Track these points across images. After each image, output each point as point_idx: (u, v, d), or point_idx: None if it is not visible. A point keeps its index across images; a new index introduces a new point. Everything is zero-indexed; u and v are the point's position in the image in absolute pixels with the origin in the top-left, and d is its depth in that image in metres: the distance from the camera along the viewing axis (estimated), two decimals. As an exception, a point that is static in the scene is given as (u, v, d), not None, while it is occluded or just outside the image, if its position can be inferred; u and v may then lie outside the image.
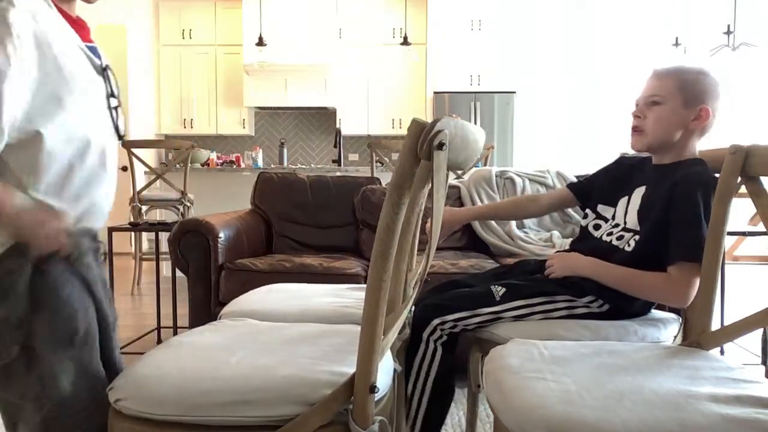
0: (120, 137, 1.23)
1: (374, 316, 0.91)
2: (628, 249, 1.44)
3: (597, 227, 1.57)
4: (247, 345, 1.15)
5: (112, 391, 1.01)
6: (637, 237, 1.44)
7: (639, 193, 1.50)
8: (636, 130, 1.49)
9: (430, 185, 0.94)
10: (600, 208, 1.60)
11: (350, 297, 1.67)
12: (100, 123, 1.16)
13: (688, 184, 1.36)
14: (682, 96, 1.43)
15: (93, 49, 1.19)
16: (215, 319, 1.58)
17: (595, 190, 1.66)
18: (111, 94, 1.21)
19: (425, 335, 1.46)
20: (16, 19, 0.97)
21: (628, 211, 1.51)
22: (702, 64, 1.54)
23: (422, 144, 0.86)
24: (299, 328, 1.30)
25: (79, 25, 1.16)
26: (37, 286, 1.05)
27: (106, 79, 1.20)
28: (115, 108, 1.21)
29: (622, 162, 1.66)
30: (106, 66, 1.20)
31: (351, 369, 1.00)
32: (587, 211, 1.63)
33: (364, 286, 1.80)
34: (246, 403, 0.95)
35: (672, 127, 1.45)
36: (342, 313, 1.52)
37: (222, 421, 0.95)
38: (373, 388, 0.94)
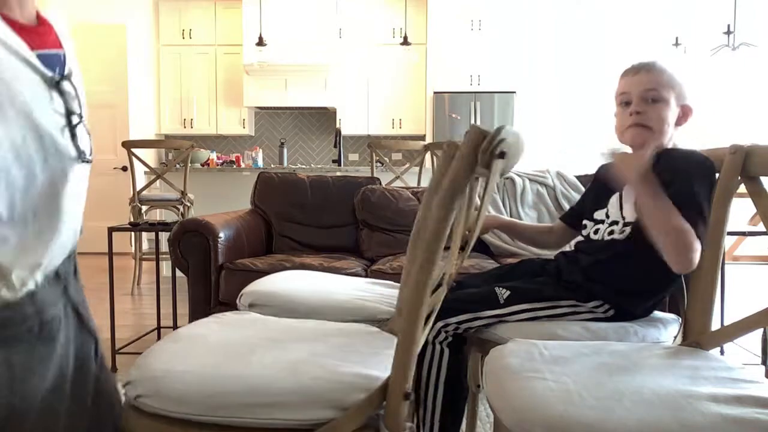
0: (85, 160, 0.99)
1: (416, 322, 0.90)
2: (621, 237, 1.46)
3: (597, 231, 1.57)
4: (262, 342, 1.14)
5: (130, 386, 0.99)
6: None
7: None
8: (640, 125, 1.45)
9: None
10: (596, 214, 1.60)
11: (372, 291, 1.68)
12: (47, 150, 0.90)
13: (682, 163, 1.38)
14: (674, 92, 1.46)
15: (52, 57, 0.96)
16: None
17: (585, 207, 1.68)
18: (69, 112, 0.96)
19: (430, 338, 1.46)
20: None
21: (623, 206, 1.51)
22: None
23: (485, 150, 0.85)
24: (306, 324, 1.31)
25: (32, 31, 0.93)
26: None
27: (62, 93, 0.95)
28: (75, 126, 0.97)
29: (600, 172, 1.69)
30: (63, 76, 0.96)
31: (377, 372, 0.99)
32: (584, 222, 1.63)
33: (387, 282, 1.81)
34: (274, 406, 0.93)
35: (671, 126, 1.47)
36: (361, 306, 1.53)
37: (248, 423, 0.93)
38: (407, 395, 0.93)
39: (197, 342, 1.13)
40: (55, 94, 0.95)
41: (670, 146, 1.49)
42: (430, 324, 1.15)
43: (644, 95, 1.45)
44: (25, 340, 0.88)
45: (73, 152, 0.96)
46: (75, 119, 0.97)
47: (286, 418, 0.93)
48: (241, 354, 1.06)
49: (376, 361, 1.05)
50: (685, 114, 1.48)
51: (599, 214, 1.58)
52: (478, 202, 0.98)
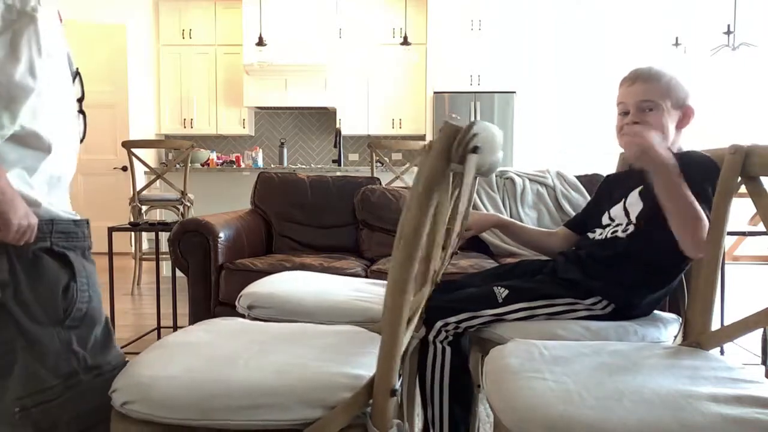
0: (81, 141, 1.25)
1: (398, 320, 0.90)
2: (624, 235, 1.47)
3: (601, 234, 1.58)
4: (249, 346, 1.14)
5: (116, 393, 0.99)
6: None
7: (637, 191, 1.51)
8: None
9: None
10: (603, 219, 1.61)
11: (370, 292, 1.68)
12: (73, 128, 1.19)
13: (687, 165, 1.38)
14: (671, 99, 1.47)
15: (67, 54, 1.21)
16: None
17: (591, 215, 1.69)
18: (80, 98, 1.22)
19: (431, 338, 1.47)
20: (43, 25, 1.01)
21: (627, 209, 1.51)
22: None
23: (458, 146, 0.85)
24: (294, 327, 1.30)
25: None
26: None
27: (81, 83, 1.23)
28: (80, 112, 1.23)
29: (608, 180, 1.72)
30: (78, 71, 1.23)
31: (363, 371, 1.00)
32: (595, 230, 1.63)
33: (386, 282, 1.81)
34: (262, 407, 0.94)
35: (670, 129, 1.48)
36: (360, 307, 1.53)
37: (237, 425, 0.94)
38: (394, 392, 0.94)
39: (184, 348, 1.12)
40: (76, 83, 1.20)
41: (674, 150, 1.50)
42: (415, 321, 1.15)
43: (640, 106, 1.48)
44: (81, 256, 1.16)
45: (80, 133, 1.19)
46: (78, 106, 1.20)
47: (273, 419, 0.94)
48: (228, 358, 1.06)
49: (362, 361, 1.06)
50: (686, 116, 1.49)
51: (605, 219, 1.60)
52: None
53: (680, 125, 1.49)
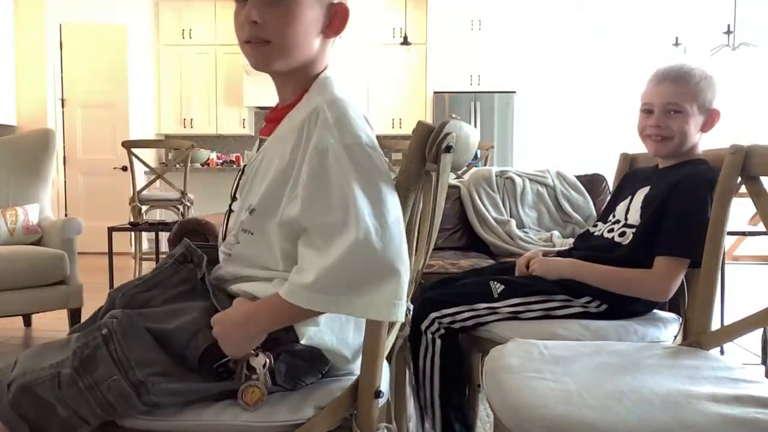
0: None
1: (378, 323, 0.90)
2: (625, 243, 1.46)
3: (600, 230, 1.59)
4: None
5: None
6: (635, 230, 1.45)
7: (642, 192, 1.51)
8: (660, 138, 1.46)
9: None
10: (609, 217, 1.61)
11: None
12: None
13: (691, 181, 1.37)
14: (697, 102, 1.43)
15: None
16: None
17: (605, 210, 1.69)
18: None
19: (423, 327, 1.47)
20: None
21: (629, 209, 1.52)
22: (700, 62, 1.54)
23: (431, 146, 0.86)
24: None
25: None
26: None
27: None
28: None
29: (625, 177, 1.70)
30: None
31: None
32: (597, 224, 1.65)
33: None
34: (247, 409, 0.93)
35: (692, 134, 1.45)
36: None
37: (223, 428, 0.93)
38: (378, 393, 0.93)
39: None
40: None
41: (692, 156, 1.48)
42: (398, 323, 1.15)
43: (665, 108, 1.44)
44: None
45: None
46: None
47: (258, 421, 0.92)
48: None
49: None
50: (710, 119, 1.45)
51: (609, 215, 1.60)
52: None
53: (704, 128, 1.46)
